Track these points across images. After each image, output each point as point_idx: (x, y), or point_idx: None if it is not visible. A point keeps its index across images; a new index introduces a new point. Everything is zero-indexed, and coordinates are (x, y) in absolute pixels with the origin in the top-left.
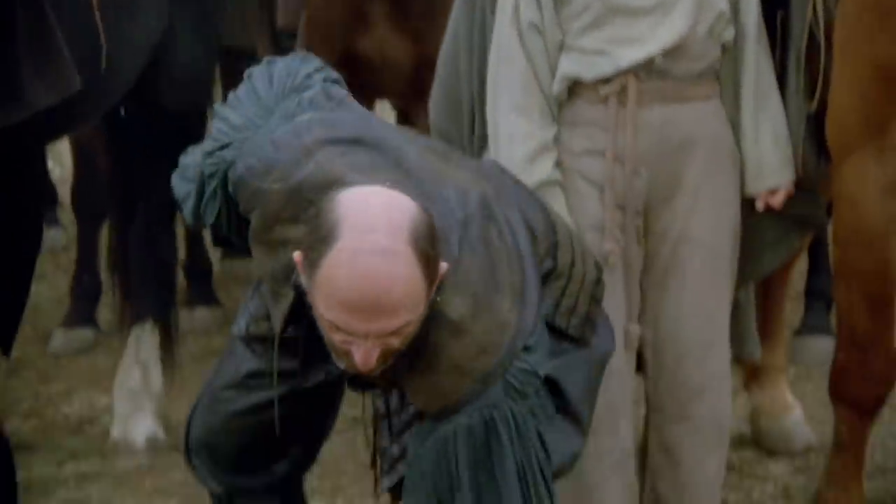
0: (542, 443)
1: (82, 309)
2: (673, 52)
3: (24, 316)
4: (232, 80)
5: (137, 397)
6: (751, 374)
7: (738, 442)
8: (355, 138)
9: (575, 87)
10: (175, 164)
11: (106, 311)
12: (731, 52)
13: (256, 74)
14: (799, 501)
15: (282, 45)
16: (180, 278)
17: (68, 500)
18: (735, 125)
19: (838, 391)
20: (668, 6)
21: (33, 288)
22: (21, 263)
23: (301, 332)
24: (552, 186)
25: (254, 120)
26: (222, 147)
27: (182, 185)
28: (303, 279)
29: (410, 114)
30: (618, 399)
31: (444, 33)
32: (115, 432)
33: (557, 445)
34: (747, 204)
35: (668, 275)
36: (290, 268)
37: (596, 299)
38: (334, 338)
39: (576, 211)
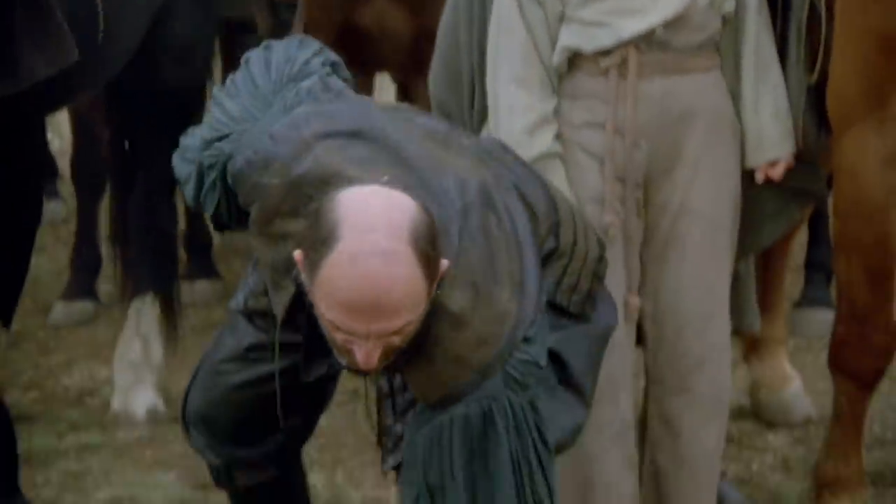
0: (542, 434)
1: (82, 281)
2: (674, 24)
3: (24, 288)
4: (230, 53)
5: (138, 369)
6: (750, 346)
7: (738, 413)
8: (354, 131)
9: (575, 59)
10: (174, 134)
11: (106, 283)
12: (732, 24)
13: (254, 60)
14: (798, 473)
15: (280, 16)
16: (180, 251)
17: (68, 471)
18: (735, 97)
19: (838, 363)
20: None
21: (33, 260)
22: (21, 236)
23: (302, 322)
24: (552, 159)
25: (252, 111)
26: (220, 138)
27: (183, 166)
28: (303, 278)
29: (410, 86)
30: (618, 371)
31: (443, 4)
32: (116, 404)
33: (560, 417)
34: (747, 176)
35: (668, 247)
36: (291, 261)
37: (598, 276)
38: (336, 337)
39: (576, 183)
